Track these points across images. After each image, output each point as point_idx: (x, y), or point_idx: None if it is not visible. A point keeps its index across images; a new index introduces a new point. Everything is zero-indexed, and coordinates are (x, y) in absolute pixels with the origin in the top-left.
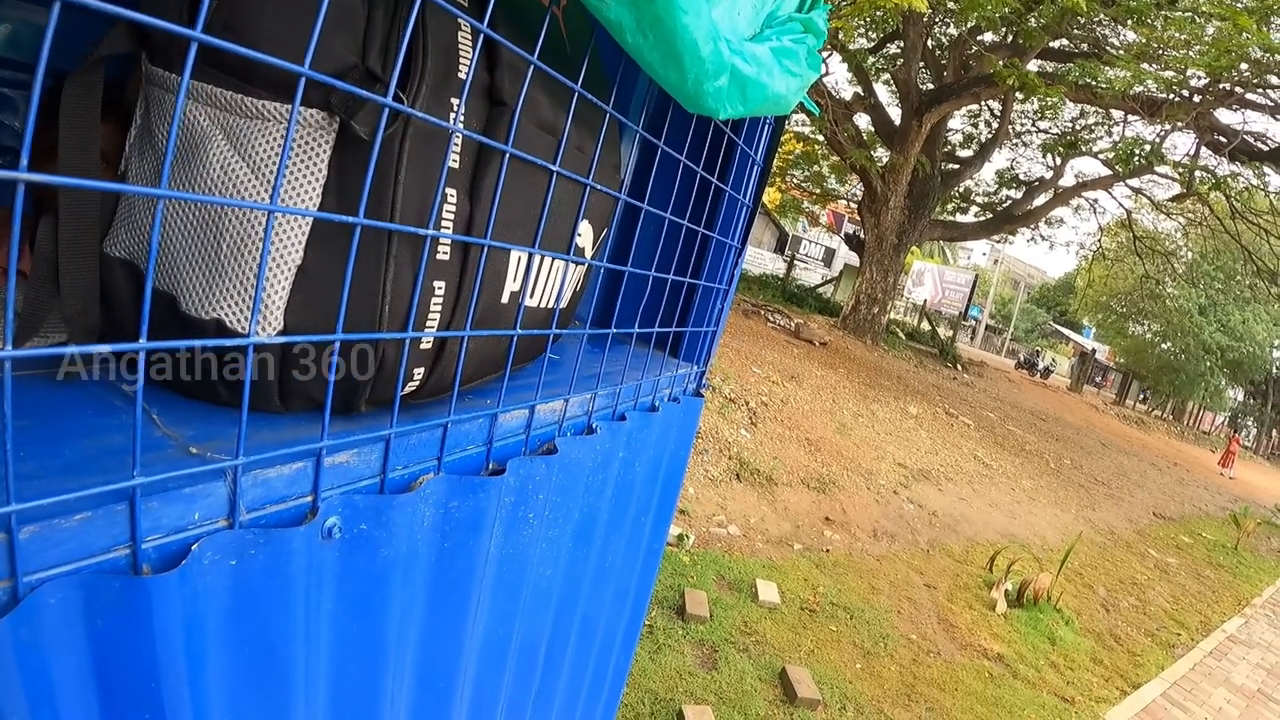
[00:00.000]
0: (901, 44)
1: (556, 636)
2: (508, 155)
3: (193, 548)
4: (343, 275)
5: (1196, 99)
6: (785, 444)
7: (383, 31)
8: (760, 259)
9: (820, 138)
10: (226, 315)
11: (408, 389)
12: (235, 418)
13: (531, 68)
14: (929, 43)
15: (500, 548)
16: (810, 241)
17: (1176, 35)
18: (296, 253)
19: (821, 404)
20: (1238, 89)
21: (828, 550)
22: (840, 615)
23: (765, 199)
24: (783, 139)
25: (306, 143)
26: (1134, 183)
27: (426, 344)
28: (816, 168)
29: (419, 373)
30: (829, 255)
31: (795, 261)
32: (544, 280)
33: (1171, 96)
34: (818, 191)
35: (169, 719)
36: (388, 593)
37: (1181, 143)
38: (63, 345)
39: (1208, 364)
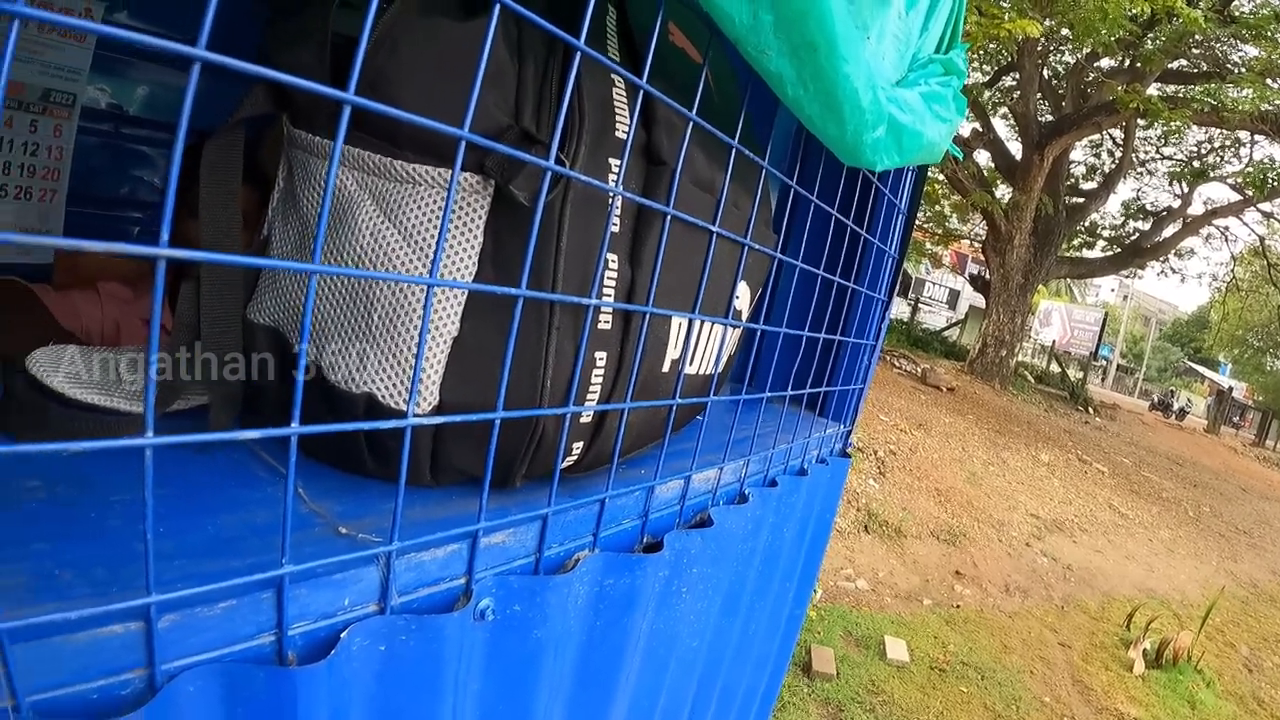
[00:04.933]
0: (1017, 76)
1: (696, 707)
2: (669, 217)
3: (341, 635)
4: (500, 347)
5: None
6: (914, 494)
7: (534, 88)
8: None
9: (941, 176)
10: (378, 389)
11: (565, 463)
12: (383, 490)
13: (690, 124)
14: (1045, 73)
15: (651, 624)
16: (933, 284)
17: None
18: (453, 324)
19: (951, 452)
20: None
21: (958, 606)
22: (971, 675)
23: None
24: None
25: (462, 208)
26: (1266, 207)
27: (586, 417)
28: (938, 207)
29: (578, 447)
30: (953, 297)
31: (919, 305)
32: (704, 345)
33: None
34: (940, 232)
35: None
36: (537, 673)
37: None
38: (205, 407)
39: None
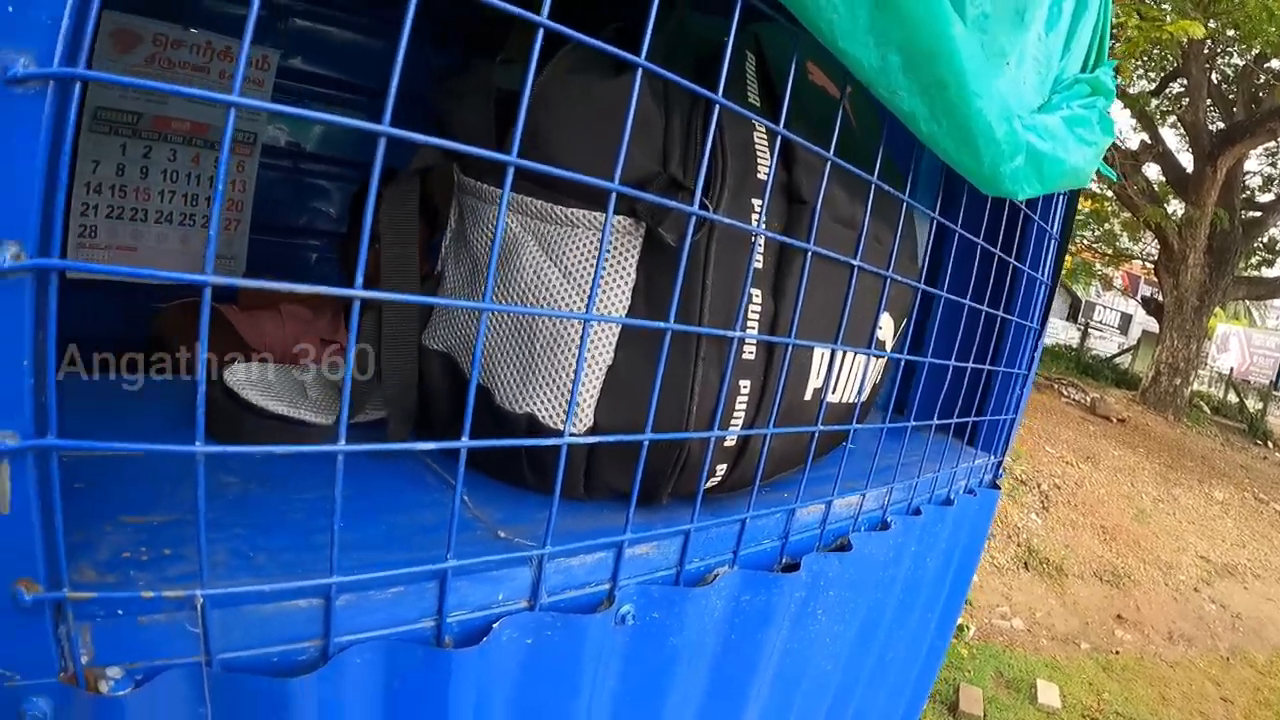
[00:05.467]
0: (1184, 82)
1: None
2: (810, 254)
3: (494, 626)
4: (650, 374)
5: None
6: (1078, 531)
7: (680, 138)
8: (1052, 328)
9: (1109, 193)
10: (539, 410)
11: (709, 484)
12: (539, 501)
13: (829, 164)
14: (1214, 77)
15: (785, 642)
16: (1104, 307)
17: None
18: (607, 353)
19: (1119, 487)
20: None
21: (1117, 652)
22: None
23: None
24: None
25: (616, 248)
26: None
27: (730, 441)
28: (1107, 226)
29: (721, 469)
30: (1125, 321)
31: (1089, 330)
32: (846, 375)
33: None
34: (1109, 252)
35: None
36: (670, 679)
37: None
38: (382, 421)
39: None
